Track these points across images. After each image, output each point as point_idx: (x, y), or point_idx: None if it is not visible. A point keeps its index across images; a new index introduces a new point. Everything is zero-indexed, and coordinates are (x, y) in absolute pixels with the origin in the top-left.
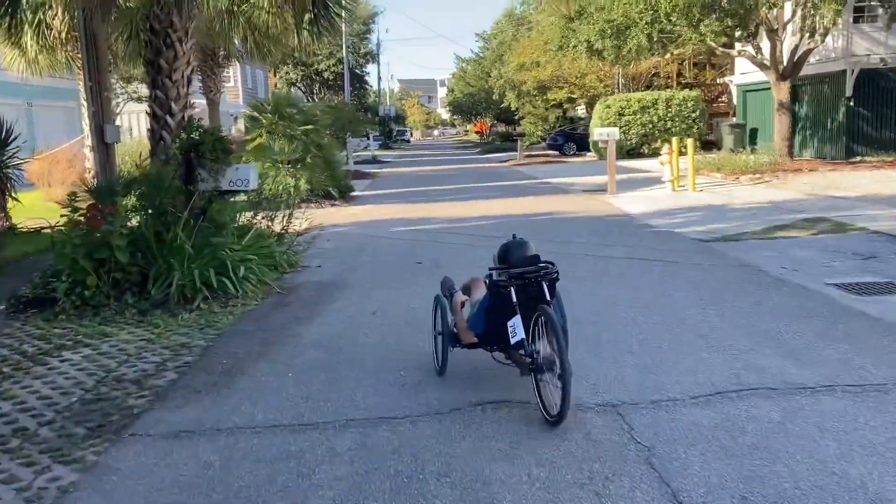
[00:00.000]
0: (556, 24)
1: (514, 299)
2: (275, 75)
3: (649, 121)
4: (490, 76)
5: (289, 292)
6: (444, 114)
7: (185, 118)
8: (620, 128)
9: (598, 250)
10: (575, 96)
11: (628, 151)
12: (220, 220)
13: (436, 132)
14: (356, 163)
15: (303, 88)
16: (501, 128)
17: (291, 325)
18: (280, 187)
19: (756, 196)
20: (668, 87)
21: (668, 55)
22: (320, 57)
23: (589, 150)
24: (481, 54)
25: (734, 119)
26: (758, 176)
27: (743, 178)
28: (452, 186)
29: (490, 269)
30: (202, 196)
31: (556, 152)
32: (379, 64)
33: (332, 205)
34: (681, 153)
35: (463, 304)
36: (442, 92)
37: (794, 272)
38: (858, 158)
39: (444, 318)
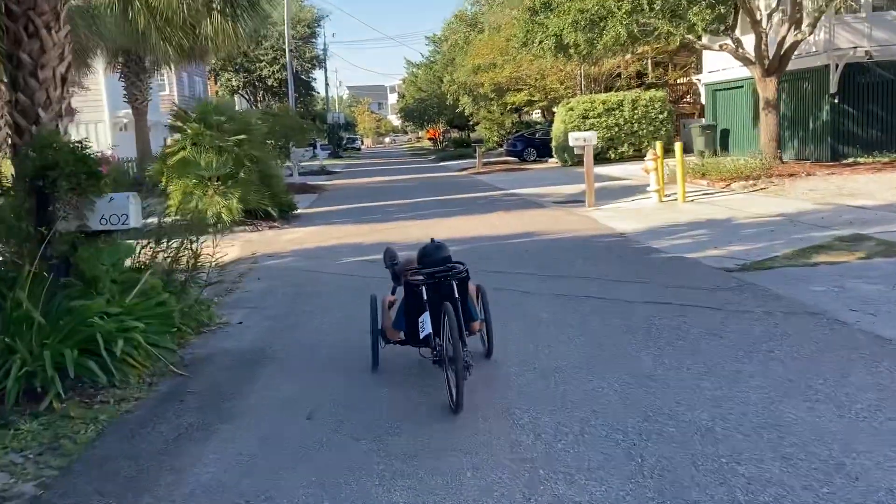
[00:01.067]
0: (519, 18)
1: (426, 297)
2: (216, 82)
3: (615, 123)
4: (442, 81)
5: (191, 372)
6: (396, 120)
7: (63, 129)
8: (584, 131)
9: (604, 289)
10: (535, 99)
11: (595, 156)
12: (92, 272)
13: (387, 139)
14: (302, 174)
15: (246, 96)
16: (455, 134)
17: (177, 445)
18: (208, 209)
19: (760, 207)
20: (629, 88)
21: (629, 54)
22: (263, 63)
23: (550, 156)
24: (432, 58)
25: (703, 120)
26: (751, 182)
27: (735, 186)
28: (409, 201)
29: (405, 269)
30: (63, 240)
31: (516, 159)
32: (326, 69)
33: (271, 227)
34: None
35: (392, 304)
36: (393, 98)
37: (873, 318)
38: (851, 160)
39: (376, 316)
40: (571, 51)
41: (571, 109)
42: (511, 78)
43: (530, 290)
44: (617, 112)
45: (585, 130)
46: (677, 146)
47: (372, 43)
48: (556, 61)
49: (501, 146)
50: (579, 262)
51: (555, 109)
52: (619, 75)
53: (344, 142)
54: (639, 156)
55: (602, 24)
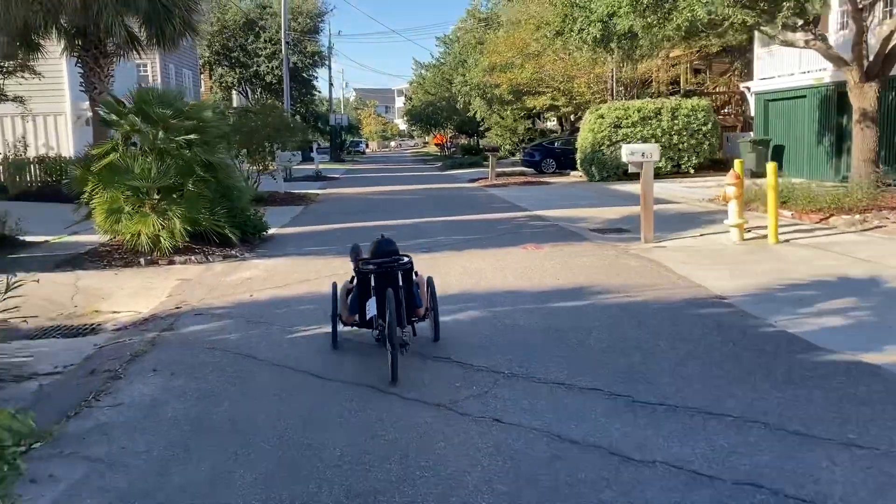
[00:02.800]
0: (556, 2)
1: (373, 284)
2: (210, 77)
3: (651, 134)
4: (452, 83)
5: None
6: (402, 124)
7: None
8: (615, 142)
9: (789, 464)
10: (558, 103)
11: (625, 171)
12: None
13: (393, 143)
14: (293, 180)
15: (242, 93)
16: (463, 140)
17: None
18: (141, 231)
19: None
20: (659, 96)
21: (671, 54)
22: (261, 57)
23: (572, 169)
24: (442, 60)
25: (751, 134)
26: (858, 217)
27: (836, 221)
28: (412, 221)
29: (357, 259)
30: None
31: (532, 170)
32: (330, 67)
33: (227, 256)
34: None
35: (350, 291)
36: (399, 102)
37: None
38: None
39: (336, 302)
40: (613, 44)
41: (602, 117)
42: (532, 79)
43: (637, 459)
44: (654, 122)
45: (619, 140)
46: (769, 167)
47: (379, 41)
48: (593, 57)
49: (514, 154)
50: (690, 368)
51: (574, 117)
52: (648, 83)
53: (347, 145)
54: (678, 172)
55: (671, 5)
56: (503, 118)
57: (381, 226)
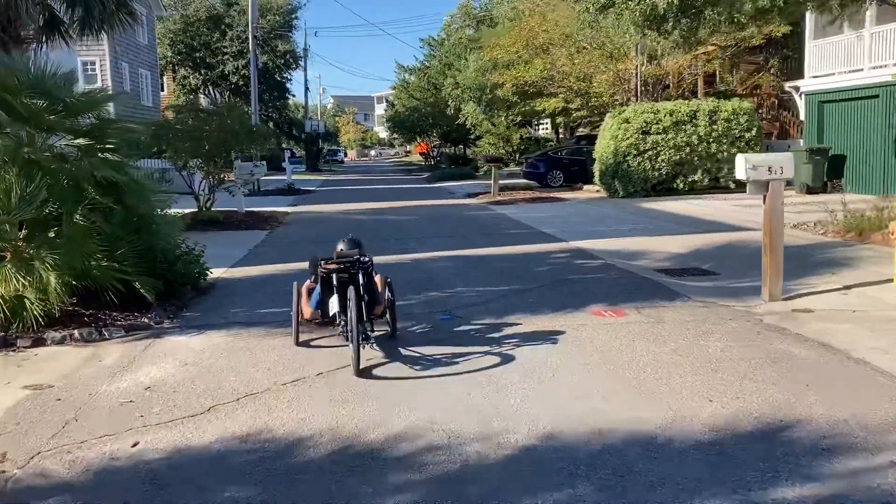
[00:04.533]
0: None
1: (335, 283)
2: (173, 79)
3: (685, 142)
4: (439, 87)
5: None
6: (383, 132)
7: None
8: (644, 151)
9: None
10: (572, 106)
11: (654, 186)
12: None
13: (373, 152)
14: (258, 194)
15: (208, 96)
16: (448, 149)
17: None
18: None
19: None
20: (680, 97)
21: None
22: (227, 55)
23: (583, 181)
24: (427, 63)
25: (800, 142)
26: None
27: None
28: (414, 258)
29: (320, 259)
30: None
31: (536, 183)
32: (306, 69)
33: (131, 328)
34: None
35: (311, 291)
36: (380, 109)
37: None
38: None
39: (298, 299)
40: (669, 24)
41: (627, 121)
42: (542, 77)
43: None
44: (689, 127)
45: (647, 148)
46: None
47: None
48: (639, 39)
49: (507, 165)
50: None
51: (575, 123)
52: (666, 85)
53: (324, 154)
54: (717, 187)
55: None
56: (495, 126)
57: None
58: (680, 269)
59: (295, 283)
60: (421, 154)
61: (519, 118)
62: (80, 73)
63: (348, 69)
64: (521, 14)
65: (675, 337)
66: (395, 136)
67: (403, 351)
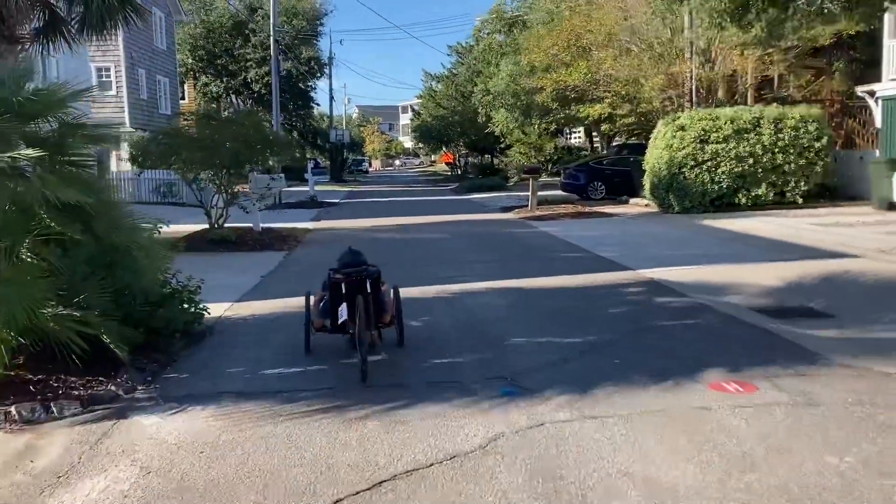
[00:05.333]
0: None
1: (343, 291)
2: (194, 87)
3: (748, 153)
4: (465, 96)
5: None
6: (408, 142)
7: None
8: (703, 162)
9: None
10: (619, 112)
11: (713, 201)
12: None
13: (397, 162)
14: (279, 207)
15: (233, 105)
16: (475, 158)
17: None
18: None
19: None
20: (735, 103)
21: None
22: (250, 62)
23: (628, 194)
24: (455, 70)
25: (876, 152)
26: None
27: None
28: (455, 289)
29: (329, 269)
30: None
31: (576, 195)
32: (331, 77)
33: (91, 401)
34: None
35: (321, 299)
36: (405, 119)
37: None
38: None
39: (308, 311)
40: (752, 15)
41: (682, 129)
42: (586, 81)
43: None
44: (751, 135)
45: (706, 159)
46: None
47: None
48: (717, 33)
49: (524, 174)
50: None
51: (613, 130)
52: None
53: (349, 164)
54: (782, 202)
55: None
56: (527, 134)
57: (409, 301)
58: (786, 309)
59: (308, 292)
60: (447, 164)
61: (553, 126)
62: (94, 79)
63: (374, 78)
64: (562, 15)
65: (849, 435)
66: (421, 145)
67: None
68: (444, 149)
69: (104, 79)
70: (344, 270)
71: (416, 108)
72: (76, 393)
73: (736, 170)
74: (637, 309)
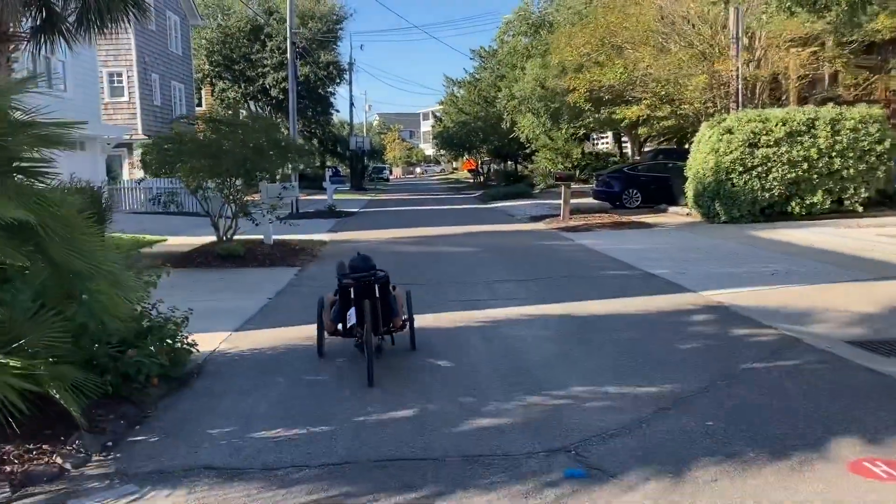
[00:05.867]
0: None
1: (352, 295)
2: (211, 93)
3: (803, 156)
4: (490, 100)
5: None
6: (429, 149)
7: None
8: (752, 167)
9: None
10: (659, 114)
11: (763, 209)
12: None
13: (418, 170)
14: (295, 217)
15: (247, 111)
16: (498, 165)
17: None
18: None
19: None
20: (779, 103)
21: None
22: (267, 67)
23: (667, 202)
24: (477, 75)
25: None
26: None
27: None
28: (486, 318)
29: (339, 274)
30: None
31: (609, 203)
32: (351, 83)
33: (30, 474)
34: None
35: (333, 304)
36: (425, 126)
37: None
38: None
39: (321, 314)
40: None
41: (729, 132)
42: (623, 81)
43: None
44: (805, 138)
45: (756, 164)
46: None
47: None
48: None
49: (556, 181)
50: None
51: (647, 133)
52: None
53: (369, 171)
54: (840, 210)
55: None
56: (553, 139)
57: (425, 332)
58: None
59: (321, 297)
60: (469, 171)
61: (581, 131)
62: (107, 84)
63: (394, 83)
64: (595, 11)
65: None
66: (443, 152)
67: None
68: (466, 155)
69: (115, 84)
70: (352, 275)
71: (437, 114)
72: (7, 469)
73: (789, 176)
74: (713, 345)
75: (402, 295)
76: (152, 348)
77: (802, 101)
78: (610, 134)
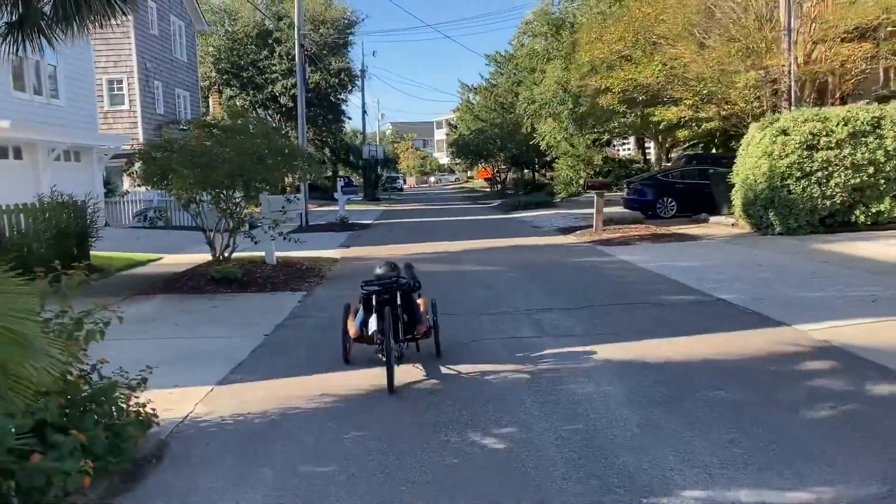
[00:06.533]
0: None
1: (374, 303)
2: (220, 102)
3: (868, 160)
4: (504, 107)
5: None
6: (443, 158)
7: None
8: (811, 172)
9: None
10: (703, 115)
11: (824, 219)
12: None
13: (432, 179)
14: (306, 230)
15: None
16: (515, 173)
17: None
18: None
19: None
20: (824, 102)
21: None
22: (276, 74)
23: (707, 211)
24: (493, 81)
25: None
26: None
27: None
28: (532, 367)
29: (362, 282)
30: None
31: (641, 213)
32: (363, 90)
33: None
34: None
35: (357, 311)
36: (439, 135)
37: None
38: None
39: (346, 321)
40: None
41: (784, 133)
42: (662, 79)
43: None
44: (871, 139)
45: (815, 169)
46: None
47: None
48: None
49: (588, 190)
50: None
51: (671, 140)
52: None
53: (383, 181)
54: None
55: None
56: (575, 146)
57: (462, 386)
58: None
59: (347, 304)
60: (486, 179)
61: (605, 136)
62: (106, 92)
63: (407, 89)
64: (628, 4)
65: None
66: (458, 161)
67: None
68: (481, 163)
69: (115, 91)
70: (375, 283)
71: (452, 122)
72: None
73: (852, 181)
74: (858, 411)
75: (426, 301)
76: (83, 438)
77: (856, 99)
78: (632, 139)
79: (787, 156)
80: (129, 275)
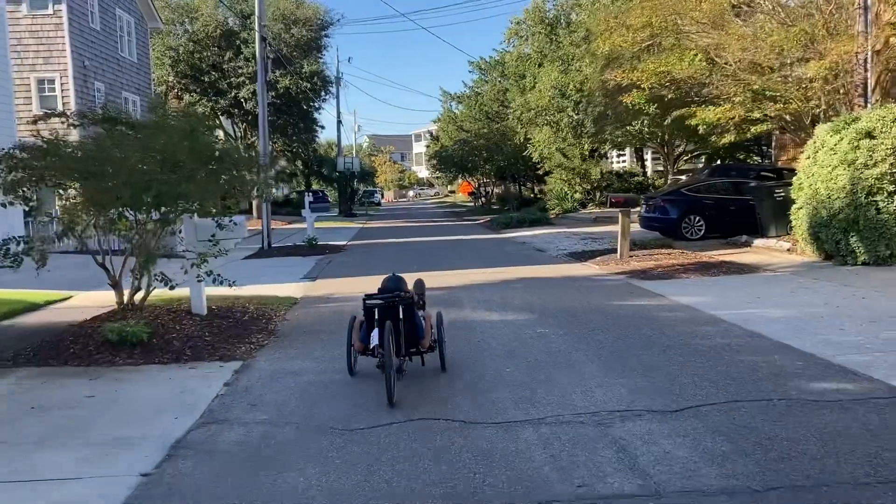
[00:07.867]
0: None
1: (376, 316)
2: (179, 104)
3: None
4: (491, 116)
5: None
6: (422, 171)
7: None
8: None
9: None
10: (754, 116)
11: None
12: None
13: (411, 193)
14: (267, 254)
15: (219, 126)
16: (499, 187)
17: None
18: None
19: None
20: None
21: None
22: (242, 77)
23: (746, 232)
24: (477, 90)
25: None
26: None
27: None
28: None
29: (365, 296)
30: None
31: (662, 234)
32: (338, 98)
33: None
34: None
35: (362, 324)
36: (418, 148)
37: None
38: None
39: (350, 333)
40: None
41: (869, 136)
42: (701, 73)
43: None
44: None
45: None
46: None
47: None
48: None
49: (584, 206)
50: None
51: (687, 146)
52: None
53: (359, 195)
54: None
55: None
56: (568, 158)
57: None
58: None
59: (353, 317)
60: (469, 194)
61: (607, 146)
62: (35, 93)
63: (386, 97)
64: None
65: None
66: (439, 174)
67: None
68: (464, 177)
69: (46, 93)
70: (377, 296)
71: (433, 132)
72: None
73: None
74: None
75: (432, 315)
76: None
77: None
78: (628, 150)
79: (875, 165)
80: (1, 328)
